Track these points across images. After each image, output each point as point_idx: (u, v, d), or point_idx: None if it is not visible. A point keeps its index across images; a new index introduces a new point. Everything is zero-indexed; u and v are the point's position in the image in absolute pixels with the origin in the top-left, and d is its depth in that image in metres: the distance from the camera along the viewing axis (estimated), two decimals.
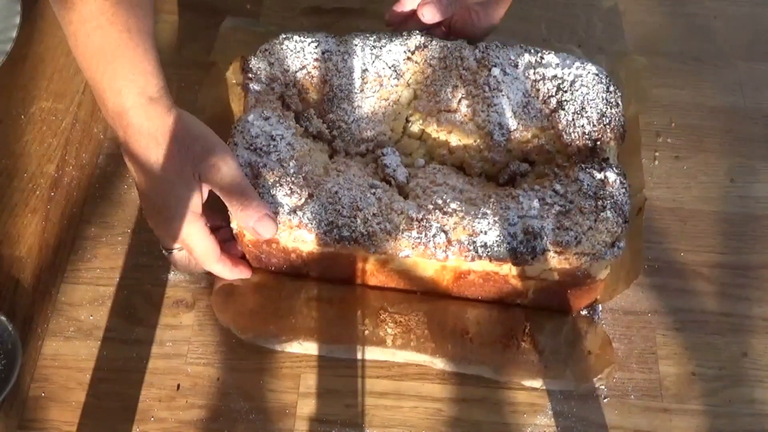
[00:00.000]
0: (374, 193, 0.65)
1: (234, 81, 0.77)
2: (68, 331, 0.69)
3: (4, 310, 0.69)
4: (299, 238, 0.65)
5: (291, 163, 0.65)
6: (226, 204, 0.63)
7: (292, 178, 0.65)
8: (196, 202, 0.63)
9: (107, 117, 0.62)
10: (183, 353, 0.69)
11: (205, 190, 0.63)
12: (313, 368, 0.68)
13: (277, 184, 0.64)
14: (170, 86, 0.70)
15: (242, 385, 0.67)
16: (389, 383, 0.68)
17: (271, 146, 0.66)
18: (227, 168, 0.62)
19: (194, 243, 0.65)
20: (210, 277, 0.71)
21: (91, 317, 0.70)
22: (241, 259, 0.70)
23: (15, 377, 0.65)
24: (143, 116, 0.60)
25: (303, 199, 0.64)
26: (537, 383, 0.67)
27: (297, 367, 0.68)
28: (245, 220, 0.62)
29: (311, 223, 0.64)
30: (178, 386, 0.67)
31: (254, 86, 0.71)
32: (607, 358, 0.68)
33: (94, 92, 0.61)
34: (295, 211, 0.64)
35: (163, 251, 0.68)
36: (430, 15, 0.73)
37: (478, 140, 0.71)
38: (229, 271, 0.69)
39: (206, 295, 0.71)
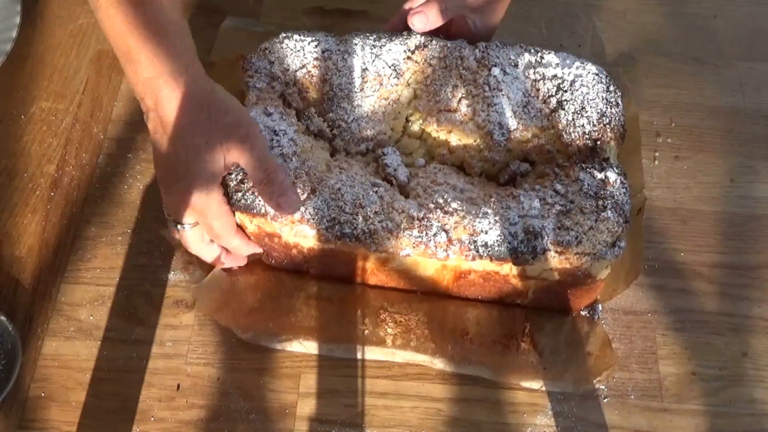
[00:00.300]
0: (376, 192, 0.65)
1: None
2: (68, 331, 0.69)
3: (4, 310, 0.69)
4: (300, 233, 0.65)
5: (294, 159, 0.65)
6: (252, 178, 0.63)
7: (295, 173, 0.65)
8: (219, 172, 0.63)
9: (136, 85, 0.62)
10: (183, 353, 0.69)
11: (229, 161, 0.63)
12: (313, 368, 0.68)
13: None
14: None
15: (242, 385, 0.67)
16: (389, 383, 0.68)
17: (274, 141, 0.66)
18: (257, 141, 0.63)
19: (213, 214, 0.64)
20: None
21: (91, 317, 0.70)
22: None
23: (15, 377, 0.65)
24: (177, 84, 0.61)
25: (305, 194, 0.64)
26: (536, 385, 0.67)
27: (297, 367, 0.68)
28: (270, 194, 0.62)
29: (313, 219, 0.64)
30: (178, 386, 0.67)
31: (255, 84, 0.71)
32: (607, 360, 0.68)
33: (123, 63, 0.62)
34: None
35: (175, 227, 0.66)
36: (420, 24, 0.73)
37: (478, 140, 0.71)
38: (245, 246, 0.68)
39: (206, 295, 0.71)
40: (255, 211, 0.64)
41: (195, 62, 0.63)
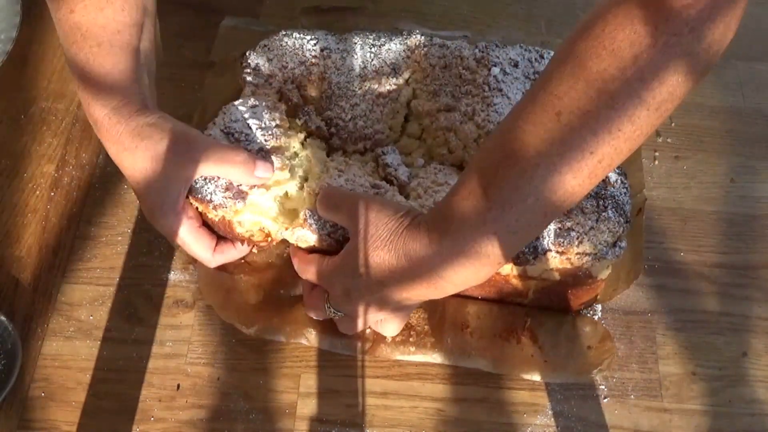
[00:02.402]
0: (377, 193, 0.65)
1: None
2: (68, 331, 0.69)
3: (4, 310, 0.69)
4: (302, 238, 0.65)
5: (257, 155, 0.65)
6: (223, 175, 0.63)
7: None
8: (174, 198, 0.62)
9: (93, 125, 0.63)
10: (183, 353, 0.69)
11: (186, 184, 0.63)
12: (313, 368, 0.68)
13: None
14: (170, 86, 0.70)
15: (242, 385, 0.67)
16: (389, 383, 0.68)
17: (243, 135, 0.66)
18: (202, 155, 0.62)
19: (186, 241, 0.65)
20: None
21: (91, 317, 0.70)
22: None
23: (15, 377, 0.65)
24: (110, 125, 0.61)
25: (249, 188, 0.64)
26: (537, 377, 0.67)
27: (297, 367, 0.68)
28: (244, 178, 0.63)
29: (315, 224, 0.64)
30: (178, 386, 0.67)
31: (253, 80, 0.71)
32: (606, 349, 0.68)
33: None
34: (238, 197, 0.64)
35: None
36: None
37: (479, 140, 0.71)
38: (236, 253, 0.69)
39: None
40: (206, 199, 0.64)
41: (126, 100, 0.61)
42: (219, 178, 0.64)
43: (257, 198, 0.64)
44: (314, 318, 0.68)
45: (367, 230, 0.58)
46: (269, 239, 0.67)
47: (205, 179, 0.64)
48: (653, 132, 0.50)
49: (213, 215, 0.65)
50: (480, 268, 0.55)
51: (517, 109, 0.53)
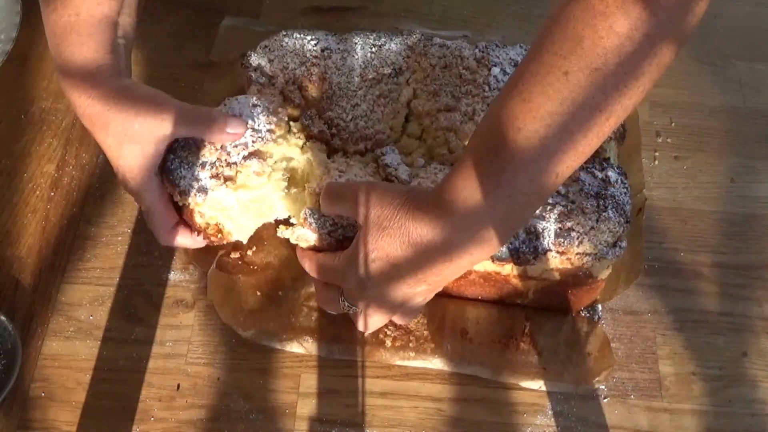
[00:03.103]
0: None
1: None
2: (68, 331, 0.69)
3: (4, 310, 0.69)
4: (302, 237, 0.65)
5: (232, 150, 0.65)
6: (195, 134, 0.64)
7: (218, 165, 0.64)
8: (146, 162, 0.62)
9: (65, 92, 0.63)
10: (183, 353, 0.69)
11: (157, 147, 0.62)
12: (313, 368, 0.68)
13: (201, 163, 0.64)
14: (170, 86, 0.70)
15: (242, 385, 0.67)
16: (389, 383, 0.68)
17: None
18: (171, 105, 0.62)
19: (150, 210, 0.65)
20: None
21: (91, 317, 0.70)
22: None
23: (15, 377, 0.65)
24: (83, 91, 0.61)
25: (218, 184, 0.64)
26: (536, 385, 0.67)
27: (297, 367, 0.68)
28: (216, 132, 0.63)
29: (315, 223, 0.64)
30: (178, 386, 0.67)
31: (255, 81, 0.71)
32: (606, 360, 0.68)
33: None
34: (201, 191, 0.64)
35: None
36: None
37: None
38: (190, 241, 0.68)
39: (206, 294, 0.71)
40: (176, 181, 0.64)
41: (103, 66, 0.62)
42: (192, 164, 0.64)
43: (220, 195, 0.64)
44: (330, 312, 0.67)
45: (370, 214, 0.57)
46: (219, 236, 0.67)
47: (180, 162, 0.64)
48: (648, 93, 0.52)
49: (178, 199, 0.65)
50: (493, 236, 0.53)
51: (517, 75, 0.52)
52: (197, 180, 0.64)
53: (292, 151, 0.69)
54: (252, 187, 0.65)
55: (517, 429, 0.66)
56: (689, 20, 0.50)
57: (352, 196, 0.59)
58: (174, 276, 0.73)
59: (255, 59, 0.73)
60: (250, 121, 0.66)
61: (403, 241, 0.55)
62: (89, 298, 0.71)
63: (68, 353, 0.68)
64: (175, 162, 0.64)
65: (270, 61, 0.72)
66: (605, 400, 0.68)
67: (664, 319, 0.72)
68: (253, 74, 0.71)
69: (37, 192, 0.77)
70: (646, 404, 0.68)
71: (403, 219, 0.55)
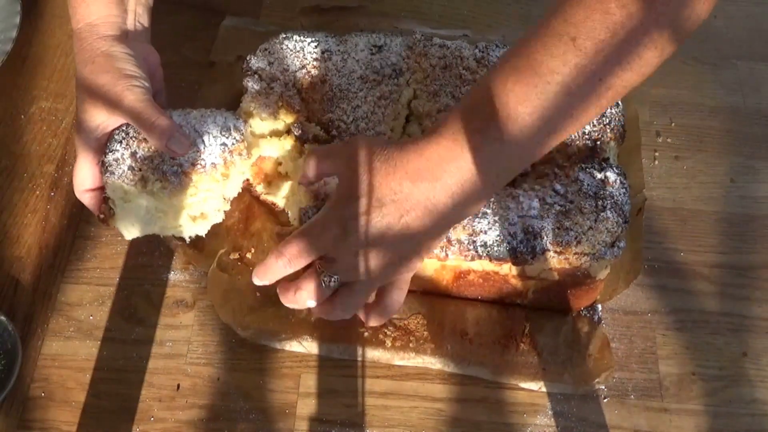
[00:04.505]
0: None
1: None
2: (68, 331, 0.69)
3: (4, 310, 0.69)
4: None
5: (167, 158, 0.64)
6: (137, 126, 0.63)
7: (145, 161, 0.63)
8: (92, 124, 0.63)
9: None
10: (183, 353, 0.69)
11: (106, 120, 0.63)
12: (313, 368, 0.68)
13: (134, 151, 0.64)
14: (170, 86, 0.70)
15: (242, 385, 0.67)
16: (389, 383, 0.68)
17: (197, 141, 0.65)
18: (132, 94, 0.62)
19: (77, 162, 0.65)
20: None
21: (91, 317, 0.70)
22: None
23: (15, 377, 0.65)
24: (80, 39, 0.64)
25: (131, 178, 0.63)
26: (535, 386, 0.67)
27: (297, 367, 0.68)
28: (156, 140, 0.61)
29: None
30: (178, 386, 0.67)
31: (253, 85, 0.71)
32: (605, 362, 0.68)
33: None
34: (113, 173, 0.63)
35: None
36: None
37: None
38: (93, 208, 0.67)
39: (206, 294, 0.71)
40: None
41: (105, 24, 0.65)
42: (129, 145, 0.64)
43: (126, 186, 0.63)
44: (313, 309, 0.60)
45: (359, 156, 0.56)
46: (107, 220, 0.65)
47: (123, 136, 0.64)
48: (650, 69, 0.54)
49: (98, 163, 0.65)
50: (474, 190, 0.54)
51: (524, 39, 0.53)
52: (119, 161, 0.63)
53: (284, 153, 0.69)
54: (157, 199, 0.64)
55: (517, 429, 0.66)
56: (696, 12, 0.53)
57: (338, 150, 0.59)
58: (174, 276, 0.73)
59: (255, 63, 0.73)
60: (199, 143, 0.64)
61: (388, 172, 0.55)
62: (89, 298, 0.71)
63: (68, 353, 0.68)
64: (120, 134, 0.64)
65: (270, 63, 0.72)
66: (605, 400, 0.68)
67: (664, 319, 0.72)
68: (249, 83, 0.71)
69: (37, 192, 0.77)
70: (646, 404, 0.68)
71: (393, 151, 0.55)
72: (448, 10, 0.93)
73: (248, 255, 0.72)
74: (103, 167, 0.63)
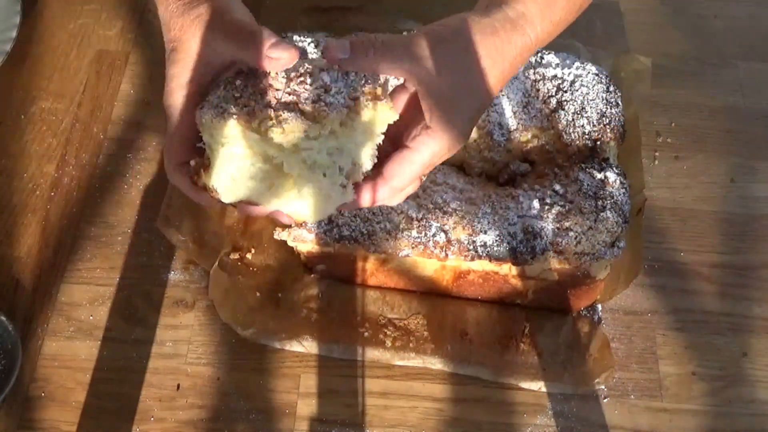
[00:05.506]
0: None
1: None
2: (68, 331, 0.69)
3: (4, 310, 0.69)
4: (299, 237, 0.65)
5: (282, 95, 0.50)
6: (235, 53, 0.51)
7: (254, 98, 0.50)
8: (182, 81, 0.52)
9: None
10: (183, 353, 0.69)
11: (203, 66, 0.52)
12: (313, 368, 0.68)
13: (239, 87, 0.50)
14: None
15: (242, 385, 0.67)
16: (389, 383, 0.68)
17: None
18: (226, 14, 0.51)
19: (168, 128, 0.53)
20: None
21: (91, 317, 0.70)
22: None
23: (15, 377, 0.65)
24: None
25: (234, 111, 0.49)
26: (535, 386, 0.67)
27: (297, 367, 0.68)
28: (252, 54, 0.50)
29: (311, 223, 0.64)
30: (178, 386, 0.67)
31: None
32: (605, 362, 0.68)
33: None
34: (213, 107, 0.49)
35: None
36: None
37: (478, 140, 0.71)
38: (184, 184, 0.54)
39: (206, 294, 0.71)
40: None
41: None
42: (232, 86, 0.51)
43: (222, 120, 0.49)
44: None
45: (435, 32, 0.53)
46: (195, 173, 0.51)
47: (231, 80, 0.51)
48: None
49: (198, 117, 0.50)
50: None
51: None
52: (221, 99, 0.50)
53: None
54: (265, 142, 0.49)
55: (518, 429, 0.66)
56: None
57: (401, 41, 0.52)
58: (174, 276, 0.73)
59: None
60: (323, 76, 0.50)
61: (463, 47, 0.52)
62: (89, 298, 0.71)
63: (68, 353, 0.68)
64: (225, 79, 0.51)
65: None
66: (605, 400, 0.68)
67: (664, 319, 0.72)
68: None
69: (37, 192, 0.77)
70: (646, 404, 0.68)
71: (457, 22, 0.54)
72: (448, 9, 0.92)
73: (248, 255, 0.72)
74: (201, 110, 0.50)
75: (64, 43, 0.87)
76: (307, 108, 0.49)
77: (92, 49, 0.87)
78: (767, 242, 0.77)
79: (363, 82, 0.51)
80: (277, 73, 0.51)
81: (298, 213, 0.52)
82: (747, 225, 0.78)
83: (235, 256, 0.72)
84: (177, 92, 0.53)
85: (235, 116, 0.48)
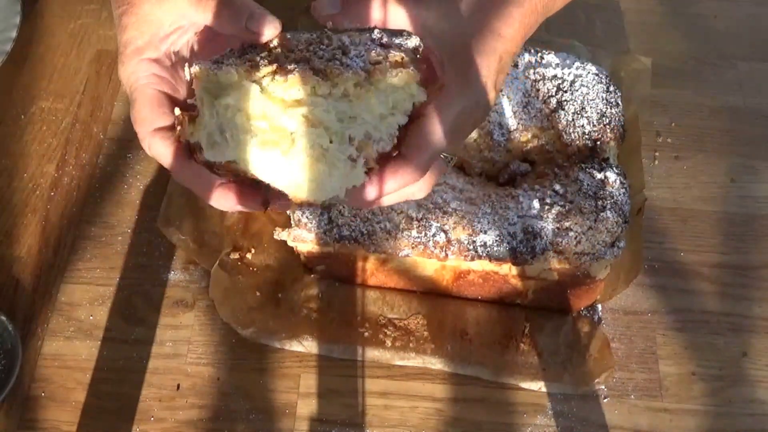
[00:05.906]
0: None
1: None
2: (68, 331, 0.69)
3: (4, 310, 0.69)
4: (299, 237, 0.65)
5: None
6: (208, 19, 0.46)
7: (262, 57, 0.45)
8: (140, 43, 0.46)
9: None
10: (183, 353, 0.69)
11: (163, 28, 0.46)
12: (313, 368, 0.68)
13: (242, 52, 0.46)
14: None
15: (242, 385, 0.67)
16: (389, 383, 0.68)
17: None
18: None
19: (130, 92, 0.47)
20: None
21: (91, 317, 0.70)
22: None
23: (15, 377, 0.65)
24: None
25: (237, 67, 0.44)
26: (535, 386, 0.67)
27: (297, 367, 0.68)
28: (227, 24, 0.46)
29: (311, 223, 0.64)
30: (178, 386, 0.67)
31: None
32: (605, 362, 0.68)
33: None
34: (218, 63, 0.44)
35: None
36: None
37: (478, 140, 0.71)
38: (165, 149, 0.46)
39: (206, 294, 0.71)
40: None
41: None
42: (231, 53, 0.45)
43: (217, 70, 0.43)
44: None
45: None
46: (181, 127, 0.44)
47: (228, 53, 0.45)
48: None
49: (186, 73, 0.45)
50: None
51: None
52: (220, 57, 0.44)
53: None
54: (265, 94, 0.43)
55: (518, 429, 0.66)
56: None
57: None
58: (174, 276, 0.73)
59: None
60: (343, 37, 0.45)
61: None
62: (89, 298, 0.71)
63: (68, 353, 0.68)
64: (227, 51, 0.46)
65: None
66: (605, 400, 0.68)
67: (664, 319, 0.72)
68: None
69: (37, 192, 0.77)
70: (646, 404, 0.68)
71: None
72: None
73: (248, 255, 0.72)
74: (194, 65, 0.44)
75: (64, 43, 0.87)
76: (319, 66, 0.43)
77: (92, 49, 0.87)
78: (767, 242, 0.77)
79: (388, 49, 0.44)
80: (289, 38, 0.45)
81: (295, 186, 0.44)
82: (747, 225, 0.78)
83: (235, 255, 0.72)
84: (134, 58, 0.47)
85: (234, 66, 0.43)
